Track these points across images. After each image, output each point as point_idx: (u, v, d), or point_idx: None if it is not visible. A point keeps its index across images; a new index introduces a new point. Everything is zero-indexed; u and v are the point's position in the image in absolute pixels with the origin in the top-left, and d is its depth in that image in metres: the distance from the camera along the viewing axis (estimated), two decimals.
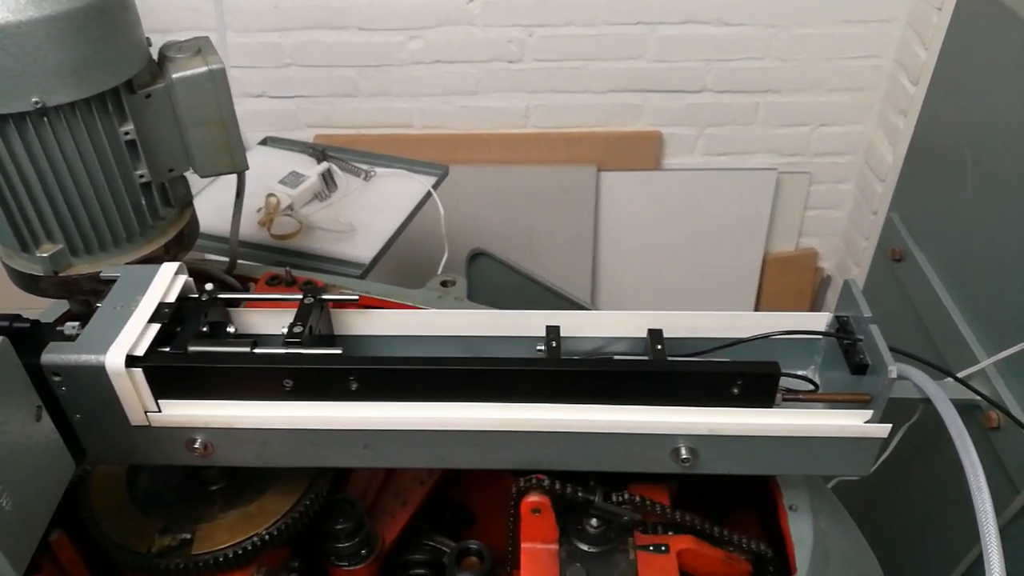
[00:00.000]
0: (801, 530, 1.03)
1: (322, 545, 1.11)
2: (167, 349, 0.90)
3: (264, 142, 2.05)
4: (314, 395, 0.89)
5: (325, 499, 1.05)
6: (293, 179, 1.81)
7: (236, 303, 1.02)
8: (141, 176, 1.09)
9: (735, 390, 0.87)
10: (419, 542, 1.25)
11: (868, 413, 0.87)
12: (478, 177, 2.63)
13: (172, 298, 0.94)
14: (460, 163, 2.65)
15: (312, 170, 1.84)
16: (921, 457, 1.32)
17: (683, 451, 0.90)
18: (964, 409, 1.21)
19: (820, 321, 1.00)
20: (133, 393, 0.87)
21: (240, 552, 0.96)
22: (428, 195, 1.85)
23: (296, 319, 0.93)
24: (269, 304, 1.03)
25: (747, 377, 0.87)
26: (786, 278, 2.91)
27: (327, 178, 1.84)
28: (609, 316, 1.02)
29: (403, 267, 2.46)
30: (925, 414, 1.18)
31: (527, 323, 1.02)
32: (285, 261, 1.64)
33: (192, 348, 0.90)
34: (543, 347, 0.96)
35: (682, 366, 0.90)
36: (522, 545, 0.95)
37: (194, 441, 0.91)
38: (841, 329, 0.95)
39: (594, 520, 0.95)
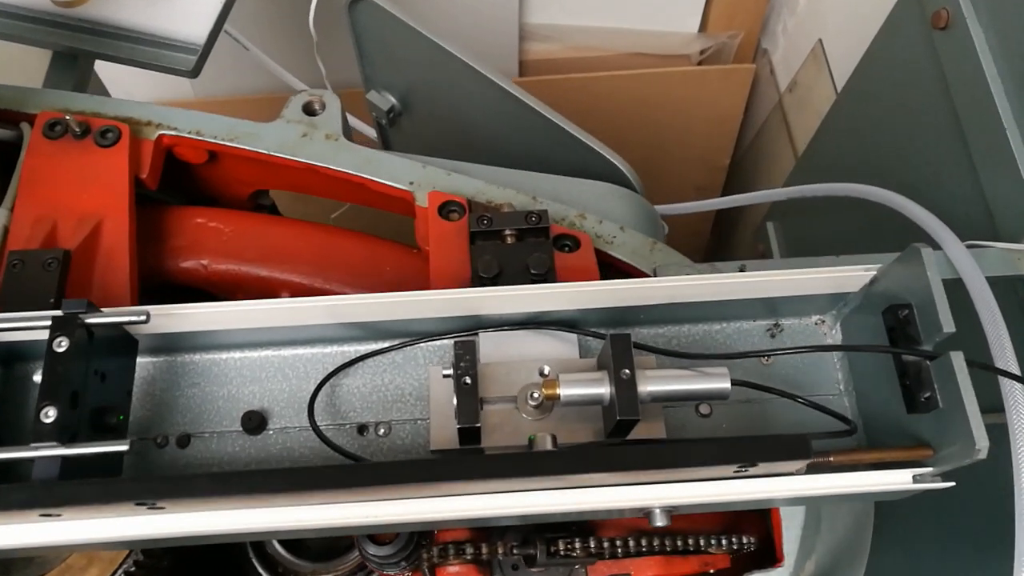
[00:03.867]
0: None
1: None
2: None
3: None
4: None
5: None
6: None
7: None
8: None
9: (743, 468, 0.58)
10: None
11: (923, 469, 0.60)
12: None
13: None
14: None
15: None
16: None
17: (657, 517, 0.63)
18: (1006, 284, 0.94)
19: (853, 283, 0.67)
20: None
21: None
22: None
23: (46, 393, 0.57)
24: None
25: (762, 457, 0.57)
26: None
27: None
28: (556, 291, 0.67)
29: (259, 32, 1.88)
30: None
31: (446, 305, 0.67)
32: (79, 46, 1.14)
33: None
34: (450, 371, 0.63)
35: (663, 456, 0.58)
36: None
37: None
38: (900, 333, 0.63)
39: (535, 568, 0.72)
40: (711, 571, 0.81)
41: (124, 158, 0.93)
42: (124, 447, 0.57)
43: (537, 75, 2.31)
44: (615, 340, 0.63)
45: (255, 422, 0.70)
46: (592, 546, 0.70)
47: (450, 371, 0.63)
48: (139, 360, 0.72)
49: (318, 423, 0.70)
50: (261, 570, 0.92)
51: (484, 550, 0.68)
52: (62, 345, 0.58)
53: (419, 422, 0.72)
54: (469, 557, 0.68)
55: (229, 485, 0.53)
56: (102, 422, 0.62)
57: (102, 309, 0.63)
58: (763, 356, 0.69)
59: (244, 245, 1.01)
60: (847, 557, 0.89)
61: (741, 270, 0.86)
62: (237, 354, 0.73)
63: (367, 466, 0.58)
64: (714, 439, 0.65)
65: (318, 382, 0.71)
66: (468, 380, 0.62)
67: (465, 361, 0.62)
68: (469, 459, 0.57)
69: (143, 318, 0.62)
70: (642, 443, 0.65)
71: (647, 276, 0.89)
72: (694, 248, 2.73)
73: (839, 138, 1.47)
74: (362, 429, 0.72)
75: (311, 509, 0.58)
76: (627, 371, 0.62)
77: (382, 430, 0.72)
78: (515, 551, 0.69)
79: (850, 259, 0.90)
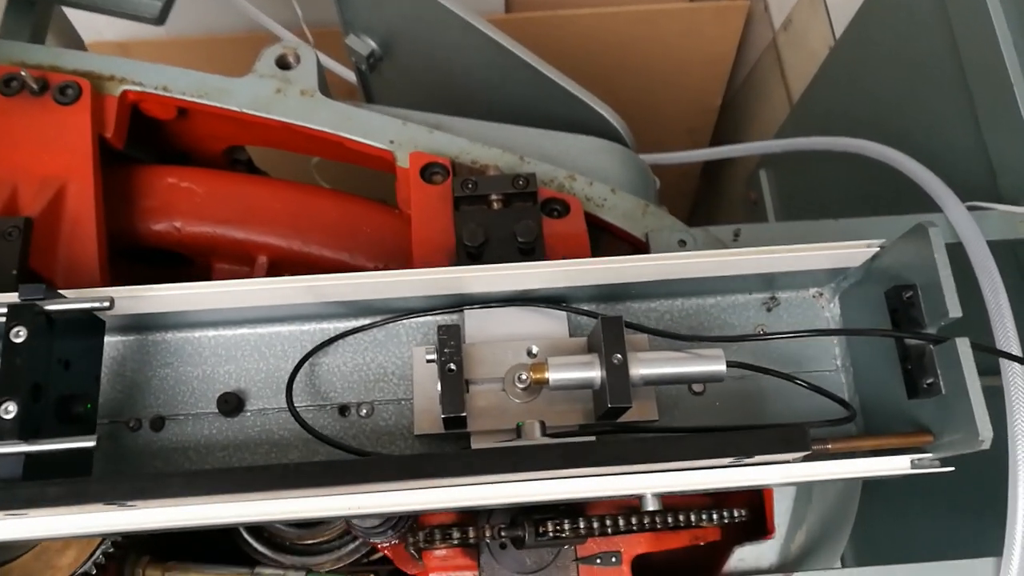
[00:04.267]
0: None
1: None
2: None
3: None
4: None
5: None
6: None
7: None
8: None
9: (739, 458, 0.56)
10: None
11: (923, 456, 0.59)
12: None
13: None
14: None
15: None
16: None
17: (649, 502, 0.61)
18: (1006, 248, 0.91)
19: (854, 258, 0.64)
20: None
21: None
22: None
23: (5, 387, 0.53)
24: None
25: (759, 450, 0.55)
26: None
27: None
28: (544, 269, 0.64)
29: None
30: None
31: (429, 284, 0.64)
32: None
33: None
34: (433, 356, 0.60)
35: (658, 450, 0.56)
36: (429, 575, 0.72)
37: None
38: (902, 315, 0.60)
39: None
40: (701, 544, 0.80)
41: (86, 116, 0.88)
42: (91, 443, 0.54)
43: (524, 11, 2.22)
44: (607, 323, 0.60)
45: (232, 404, 0.67)
46: (581, 525, 0.68)
47: (434, 356, 0.60)
48: (108, 339, 0.69)
49: (298, 404, 0.68)
50: (246, 535, 0.91)
51: (471, 533, 0.66)
52: (20, 335, 0.55)
53: (403, 402, 0.69)
54: (456, 541, 0.66)
55: (202, 485, 0.51)
56: (68, 412, 0.59)
57: (63, 293, 0.59)
58: (761, 340, 0.67)
59: (218, 206, 0.96)
60: (835, 523, 0.89)
61: (736, 235, 0.83)
62: (211, 332, 0.70)
63: (347, 464, 0.55)
64: (710, 430, 0.63)
65: (297, 361, 0.68)
66: (453, 367, 0.59)
67: (449, 347, 0.59)
68: (454, 455, 0.55)
69: (106, 304, 0.58)
70: (634, 429, 0.63)
71: (639, 240, 0.86)
72: (683, 191, 2.68)
73: (837, 87, 1.42)
74: (344, 410, 0.69)
75: (290, 501, 0.56)
76: (619, 356, 0.59)
77: (364, 411, 0.69)
78: (503, 533, 0.68)
79: (849, 223, 0.88)
